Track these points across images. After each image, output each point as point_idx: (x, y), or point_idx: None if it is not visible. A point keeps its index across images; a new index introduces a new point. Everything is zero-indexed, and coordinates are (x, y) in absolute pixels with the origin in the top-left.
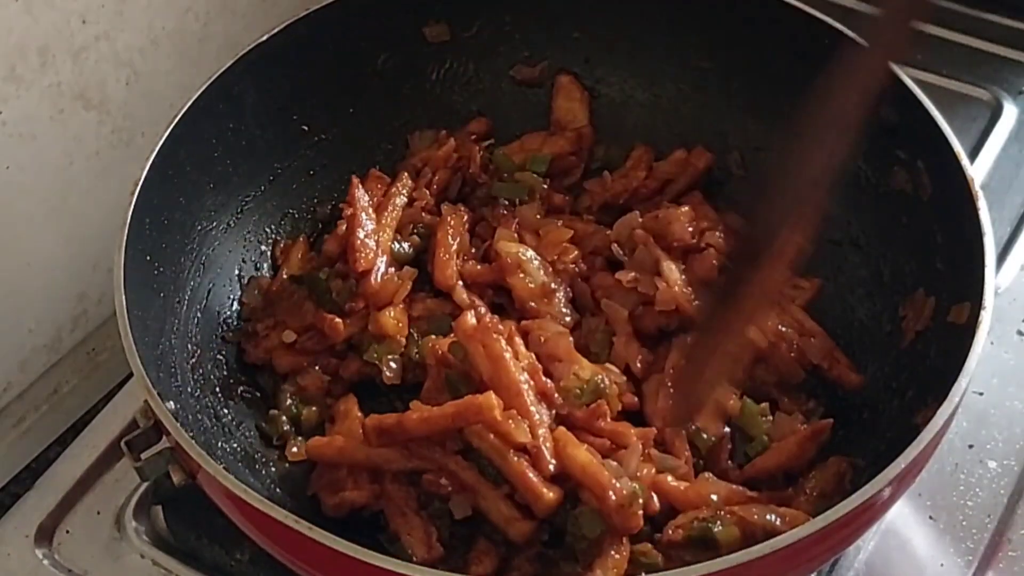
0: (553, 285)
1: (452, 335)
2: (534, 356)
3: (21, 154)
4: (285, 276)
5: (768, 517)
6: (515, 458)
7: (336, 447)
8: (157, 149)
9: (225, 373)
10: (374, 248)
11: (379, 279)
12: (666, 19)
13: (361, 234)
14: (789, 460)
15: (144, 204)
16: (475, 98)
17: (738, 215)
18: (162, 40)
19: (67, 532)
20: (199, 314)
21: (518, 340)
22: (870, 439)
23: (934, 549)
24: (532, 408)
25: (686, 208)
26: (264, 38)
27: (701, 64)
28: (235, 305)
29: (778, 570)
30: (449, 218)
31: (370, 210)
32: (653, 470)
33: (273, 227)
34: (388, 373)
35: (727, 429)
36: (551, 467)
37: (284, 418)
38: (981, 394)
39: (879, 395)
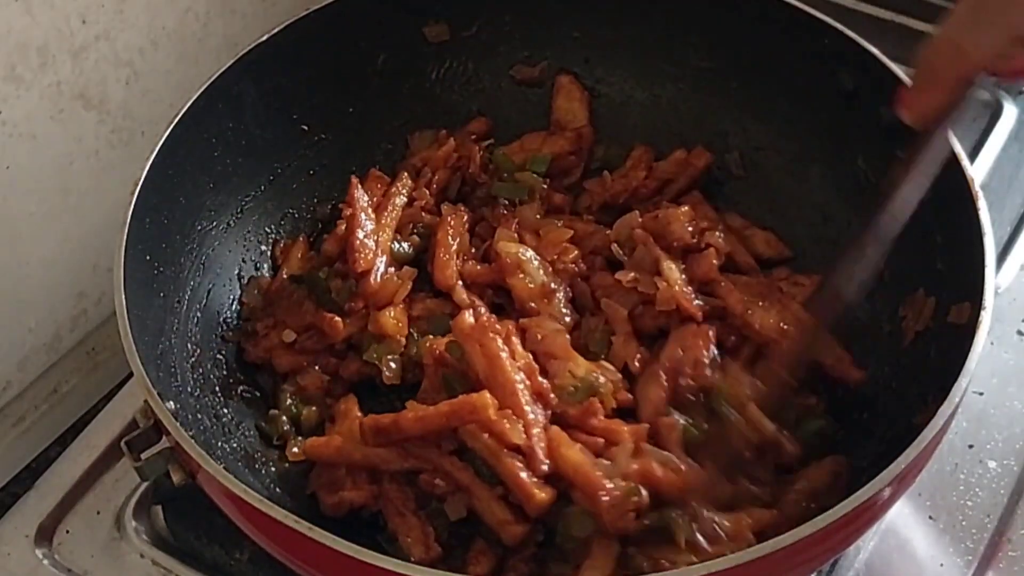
0: (553, 285)
1: (450, 334)
2: (531, 356)
3: (21, 154)
4: (285, 276)
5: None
6: (508, 458)
7: (334, 447)
8: (157, 149)
9: (225, 373)
10: (373, 248)
11: (379, 279)
12: (666, 19)
13: (360, 234)
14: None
15: (144, 204)
16: (475, 98)
17: (738, 215)
18: (162, 40)
19: (67, 532)
20: (199, 314)
21: (515, 340)
22: (870, 439)
23: (934, 549)
24: (527, 408)
25: (686, 208)
26: (264, 38)
27: (701, 64)
28: (235, 305)
29: (778, 570)
30: (449, 218)
31: (369, 210)
32: (639, 465)
33: (273, 227)
34: (388, 373)
35: None
36: (544, 467)
37: (284, 418)
38: (981, 394)
39: (879, 395)
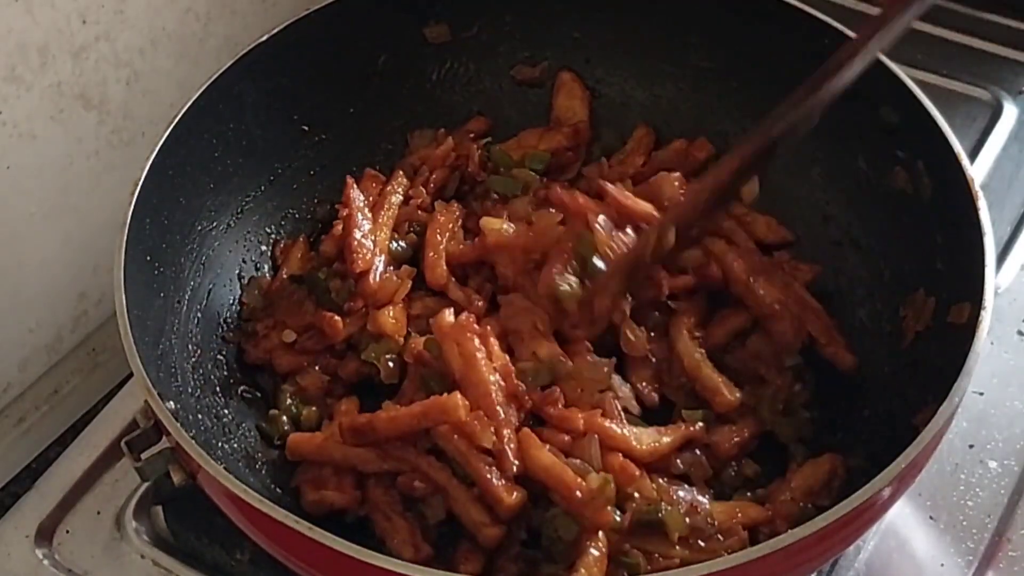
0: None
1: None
2: (507, 357)
3: (21, 154)
4: (285, 276)
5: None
6: (478, 460)
7: (315, 444)
8: (157, 149)
9: (225, 373)
10: (371, 248)
11: (378, 278)
12: (666, 19)
13: (358, 235)
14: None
15: (144, 204)
16: (475, 98)
17: (738, 202)
18: (162, 40)
19: (67, 532)
20: (199, 314)
21: (493, 341)
22: (870, 439)
23: (934, 549)
24: (499, 409)
25: (677, 173)
26: (264, 38)
27: (701, 64)
28: (235, 305)
29: (778, 570)
30: (440, 216)
31: (366, 210)
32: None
33: (273, 227)
34: (385, 372)
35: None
36: (514, 468)
37: (284, 418)
38: (981, 394)
39: (879, 395)
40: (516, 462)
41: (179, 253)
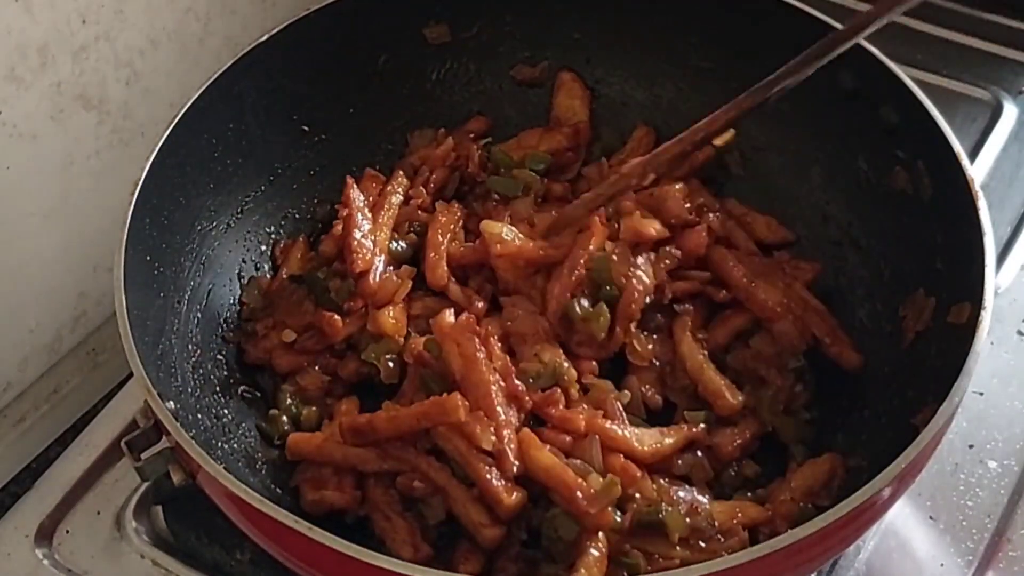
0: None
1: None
2: (508, 358)
3: (21, 154)
4: (285, 276)
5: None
6: (478, 461)
7: (315, 444)
8: (157, 149)
9: (225, 373)
10: (371, 248)
11: (377, 278)
12: (666, 19)
13: (358, 235)
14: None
15: (144, 204)
16: (475, 98)
17: (738, 201)
18: (162, 40)
19: (67, 532)
20: (199, 314)
21: (493, 341)
22: (870, 439)
23: (934, 549)
24: (499, 409)
25: (680, 184)
26: (264, 38)
27: (701, 64)
28: (235, 305)
29: (778, 570)
30: (441, 216)
31: (366, 210)
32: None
33: (273, 227)
34: (385, 372)
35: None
36: (515, 468)
37: (284, 418)
38: (981, 394)
39: (879, 395)
40: (516, 462)
41: (179, 253)
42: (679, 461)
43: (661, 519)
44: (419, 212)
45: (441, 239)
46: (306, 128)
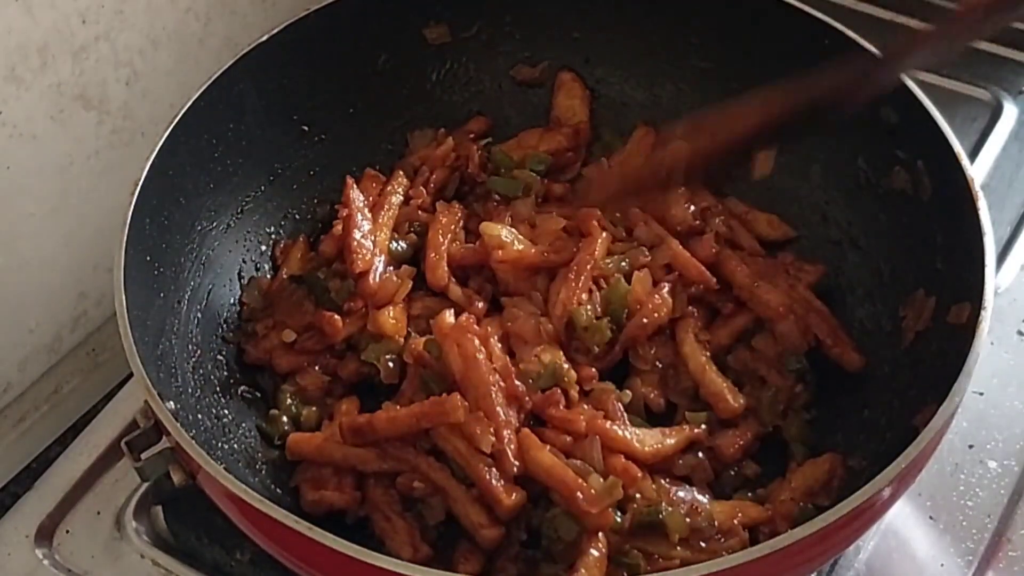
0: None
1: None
2: (508, 359)
3: (21, 154)
4: (285, 276)
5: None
6: (478, 461)
7: (315, 444)
8: (157, 149)
9: (225, 373)
10: (371, 248)
11: (377, 279)
12: (666, 19)
13: (357, 235)
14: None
15: (144, 204)
16: (475, 99)
17: (739, 200)
18: (162, 40)
19: (67, 532)
20: (199, 314)
21: (493, 341)
22: (870, 439)
23: (934, 549)
24: (499, 410)
25: (682, 188)
26: (264, 38)
27: (701, 64)
28: (235, 305)
29: (778, 570)
30: (441, 217)
31: (366, 210)
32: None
33: (273, 227)
34: (385, 372)
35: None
36: (515, 468)
37: (284, 418)
38: (981, 394)
39: (879, 395)
40: (516, 463)
41: (179, 253)
42: (680, 462)
43: (661, 519)
44: (419, 212)
45: (441, 239)
46: (306, 128)
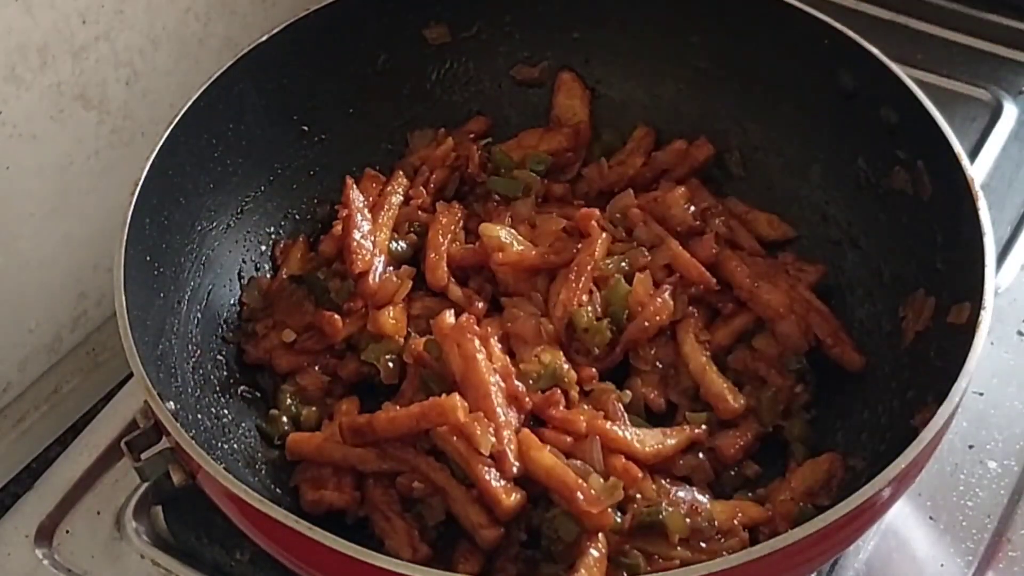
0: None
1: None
2: (508, 359)
3: (21, 154)
4: (285, 276)
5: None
6: (478, 462)
7: (314, 444)
8: (157, 149)
9: (225, 373)
10: (371, 248)
11: (377, 279)
12: (666, 19)
13: (357, 235)
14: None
15: (144, 204)
16: (475, 98)
17: (739, 200)
18: (162, 40)
19: (67, 532)
20: (199, 314)
21: (493, 342)
22: (870, 439)
23: (934, 549)
24: (499, 410)
25: (682, 189)
26: (264, 38)
27: (701, 65)
28: (235, 305)
29: (778, 570)
30: (441, 217)
31: (365, 210)
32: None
33: (273, 227)
34: (385, 373)
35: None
36: (515, 469)
37: (284, 418)
38: (981, 394)
39: (879, 395)
40: (516, 463)
41: (179, 253)
42: (680, 462)
43: (661, 520)
44: (419, 212)
45: (441, 239)
46: (306, 128)
